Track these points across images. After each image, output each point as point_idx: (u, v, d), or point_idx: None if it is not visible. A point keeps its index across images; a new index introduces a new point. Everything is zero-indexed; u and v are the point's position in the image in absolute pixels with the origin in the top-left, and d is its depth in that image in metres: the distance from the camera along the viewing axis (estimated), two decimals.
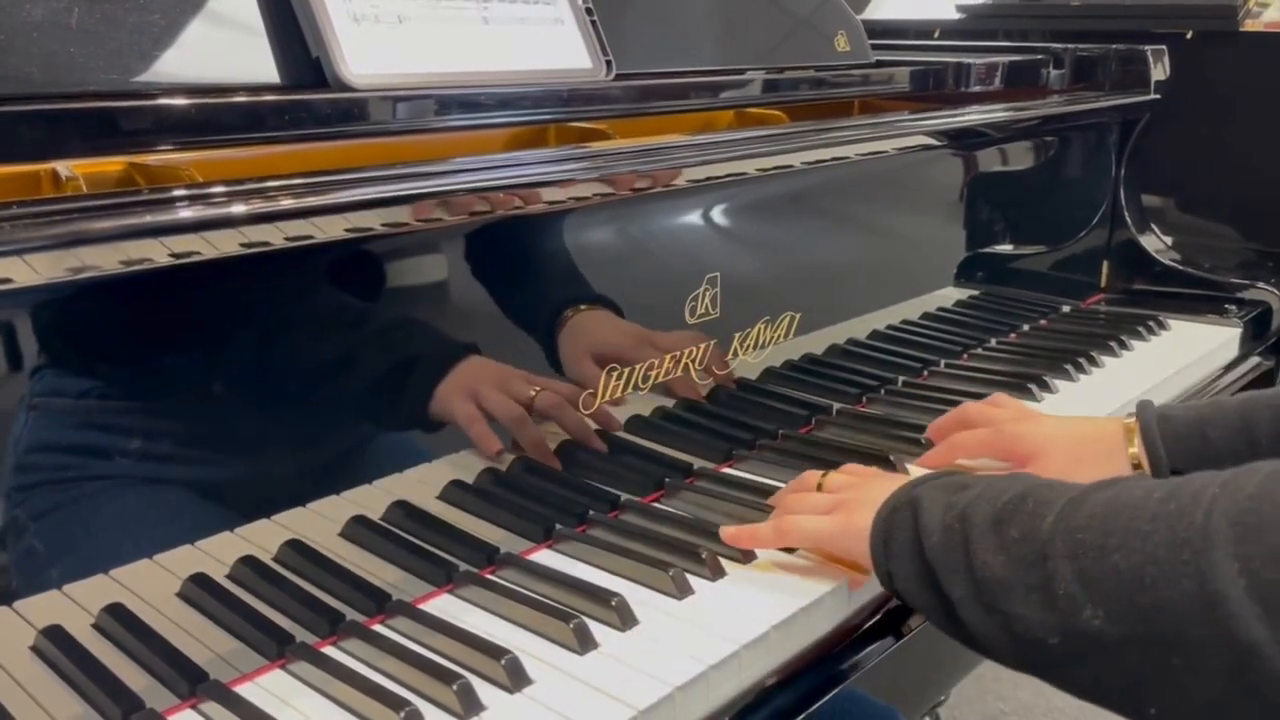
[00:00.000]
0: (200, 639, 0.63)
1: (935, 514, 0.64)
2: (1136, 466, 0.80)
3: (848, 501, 0.73)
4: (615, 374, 0.84)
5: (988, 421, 0.88)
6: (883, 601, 0.74)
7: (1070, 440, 0.83)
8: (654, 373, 0.87)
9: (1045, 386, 1.10)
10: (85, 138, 0.62)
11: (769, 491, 0.85)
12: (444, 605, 0.70)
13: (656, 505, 0.85)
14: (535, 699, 0.61)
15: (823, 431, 1.01)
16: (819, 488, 0.78)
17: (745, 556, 0.75)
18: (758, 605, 0.70)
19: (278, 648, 0.64)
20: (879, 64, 1.19)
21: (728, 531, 0.76)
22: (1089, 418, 0.89)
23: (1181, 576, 0.48)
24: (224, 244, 0.59)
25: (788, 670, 0.69)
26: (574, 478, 0.83)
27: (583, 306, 0.82)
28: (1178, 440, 0.79)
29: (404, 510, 0.74)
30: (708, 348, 0.91)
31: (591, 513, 0.81)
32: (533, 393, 0.79)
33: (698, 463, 0.90)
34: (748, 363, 0.97)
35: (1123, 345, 1.24)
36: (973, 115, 1.18)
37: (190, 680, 0.60)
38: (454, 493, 0.77)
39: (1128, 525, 0.52)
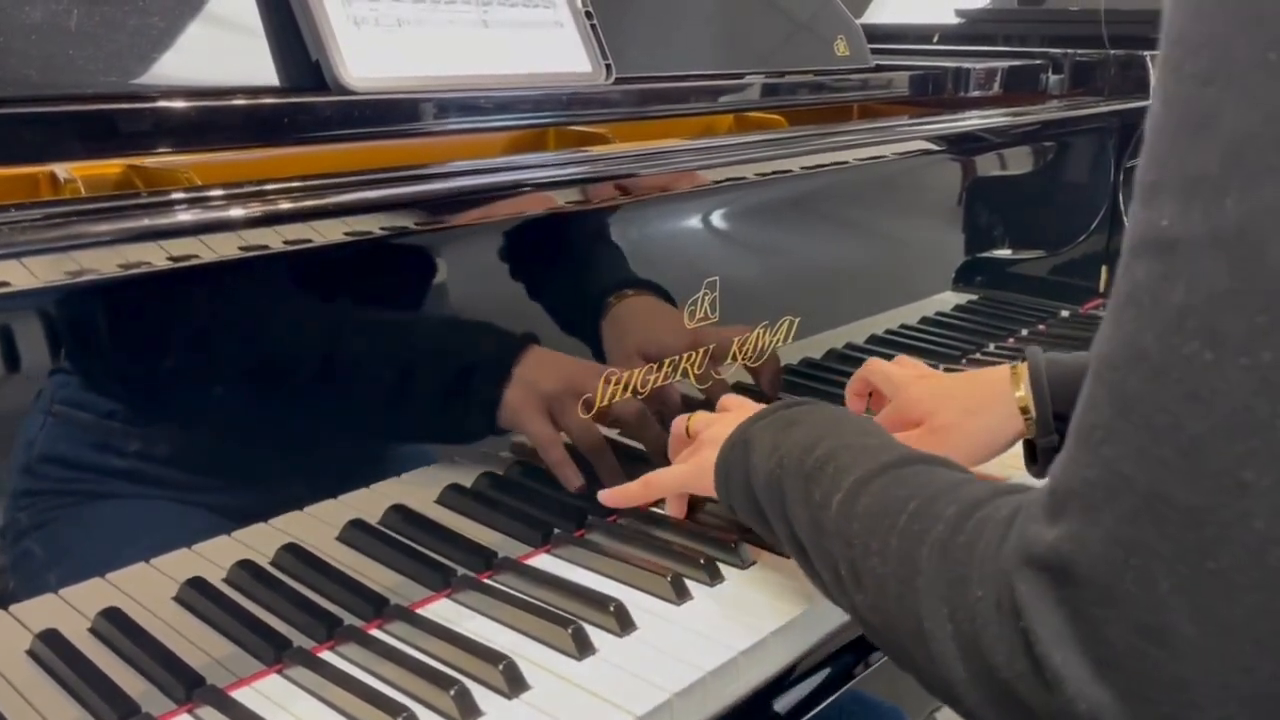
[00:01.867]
0: (197, 643, 0.63)
1: (762, 454, 0.67)
2: (1024, 410, 0.80)
3: (701, 443, 0.77)
4: (614, 378, 0.84)
5: (885, 381, 0.89)
6: None
7: (959, 393, 0.84)
8: (652, 378, 0.87)
9: None
10: (84, 140, 0.62)
11: None
12: (442, 610, 0.70)
13: (656, 510, 0.84)
14: (533, 704, 0.61)
15: None
16: (687, 431, 0.81)
17: (743, 562, 0.75)
18: (756, 611, 0.70)
19: (275, 652, 0.64)
20: (878, 68, 1.19)
21: (603, 495, 0.80)
22: (981, 369, 0.89)
23: (906, 604, 0.50)
24: (222, 247, 0.59)
25: (787, 675, 0.69)
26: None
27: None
28: (1064, 384, 0.79)
29: (402, 514, 0.74)
30: (707, 351, 0.91)
31: (590, 517, 0.81)
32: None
33: None
34: (747, 367, 0.96)
35: None
36: (972, 120, 1.18)
37: (187, 685, 0.60)
38: (452, 497, 0.77)
39: (885, 533, 0.54)
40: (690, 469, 0.76)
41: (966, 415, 0.81)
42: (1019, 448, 0.83)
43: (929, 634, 0.48)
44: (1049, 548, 0.41)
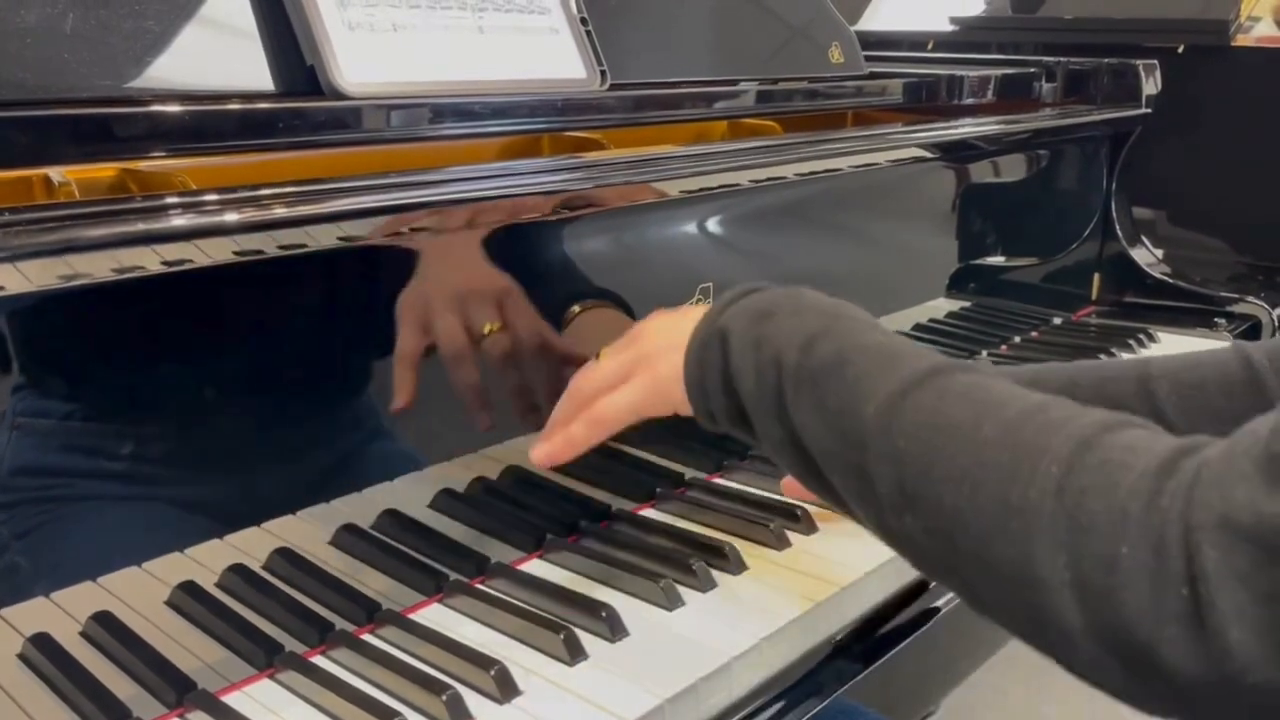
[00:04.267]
0: (188, 648, 0.63)
1: (745, 352, 0.60)
2: None
3: (645, 356, 0.66)
4: None
5: None
6: (873, 615, 0.74)
7: None
8: None
9: None
10: (78, 143, 0.62)
11: (760, 502, 0.85)
12: (434, 615, 0.70)
13: (648, 515, 0.85)
14: (524, 709, 0.61)
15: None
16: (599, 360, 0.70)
17: (736, 568, 0.75)
18: (748, 617, 0.70)
19: (266, 657, 0.64)
20: (872, 75, 1.20)
21: (536, 453, 0.68)
22: None
23: (1009, 542, 0.46)
24: (216, 252, 0.59)
25: (779, 682, 0.69)
26: (565, 487, 0.83)
27: (575, 309, 0.82)
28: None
29: (394, 519, 0.74)
30: None
31: (583, 523, 0.81)
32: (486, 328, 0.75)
33: (689, 472, 0.90)
34: None
35: (1112, 358, 1.25)
36: (965, 128, 1.19)
37: (178, 689, 0.60)
38: (445, 501, 0.77)
39: (953, 457, 0.49)
40: (643, 386, 0.66)
41: None
42: None
43: (1039, 580, 0.45)
44: (1264, 520, 0.38)
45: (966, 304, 1.27)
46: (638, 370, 0.66)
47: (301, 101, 0.71)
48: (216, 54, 0.72)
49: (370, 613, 0.68)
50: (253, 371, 0.66)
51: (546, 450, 0.68)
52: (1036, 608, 0.45)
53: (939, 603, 0.78)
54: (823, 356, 0.57)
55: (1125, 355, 1.27)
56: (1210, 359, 0.72)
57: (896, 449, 0.52)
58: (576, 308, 0.82)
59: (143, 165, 0.65)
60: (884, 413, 0.53)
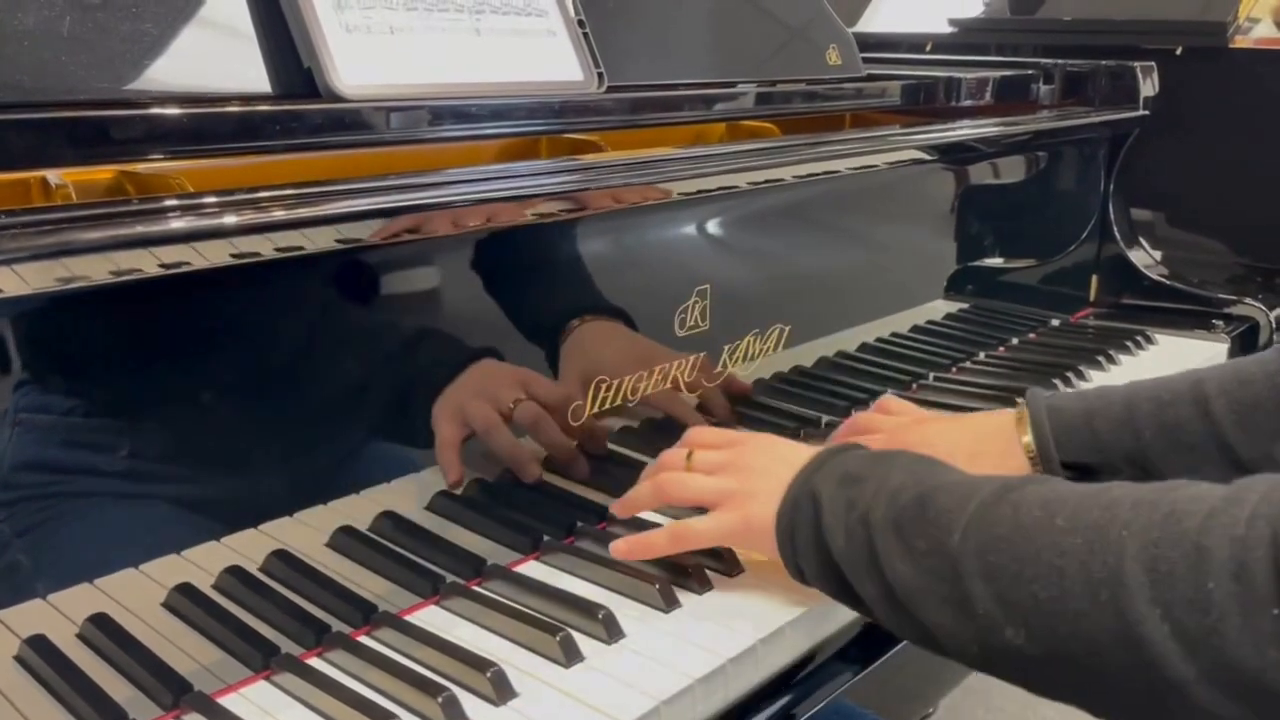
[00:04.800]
0: (185, 649, 0.63)
1: (837, 513, 0.63)
2: (1031, 457, 0.79)
3: (735, 494, 0.71)
4: (605, 385, 0.84)
5: (878, 429, 0.86)
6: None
7: (966, 438, 0.82)
8: (643, 384, 0.87)
9: None
10: (76, 146, 0.62)
11: None
12: (430, 617, 0.70)
13: (645, 517, 0.85)
14: (521, 712, 0.61)
15: (812, 444, 1.01)
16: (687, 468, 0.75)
17: (731, 569, 0.75)
18: (744, 618, 0.70)
19: (263, 659, 0.64)
20: (870, 77, 1.20)
21: (618, 546, 0.73)
22: (982, 413, 0.88)
23: (1103, 614, 0.49)
24: (214, 254, 0.59)
25: (774, 683, 0.69)
26: (563, 489, 0.83)
27: (574, 322, 0.82)
28: (1066, 432, 0.78)
29: (391, 521, 0.74)
30: (698, 360, 0.91)
31: (579, 524, 0.81)
32: (513, 402, 0.78)
33: None
34: (738, 375, 0.97)
35: (1110, 360, 1.25)
36: (964, 130, 1.19)
37: (174, 691, 0.60)
38: (441, 503, 0.77)
39: (1038, 554, 0.53)
40: (734, 523, 0.70)
41: (970, 460, 0.75)
42: None
43: (1143, 640, 0.47)
44: None
45: (965, 306, 1.27)
46: (731, 503, 0.70)
47: (299, 104, 0.71)
48: (214, 56, 0.72)
49: (367, 615, 0.68)
50: (249, 373, 0.66)
51: (626, 549, 0.73)
52: (1147, 670, 0.47)
53: None
54: (906, 504, 0.60)
55: (1124, 357, 1.27)
56: (1260, 372, 0.74)
57: (986, 565, 0.55)
58: (576, 321, 0.82)
59: (140, 168, 0.65)
60: (969, 536, 0.56)
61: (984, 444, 0.81)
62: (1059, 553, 0.52)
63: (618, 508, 0.78)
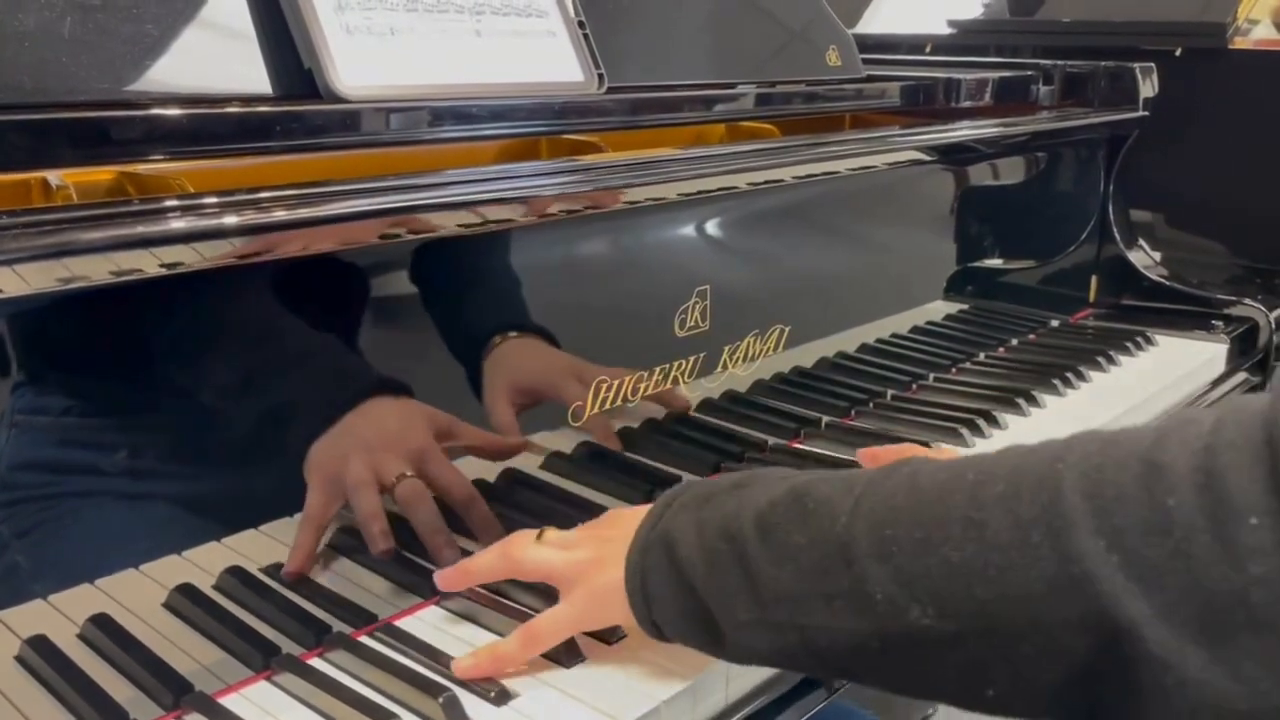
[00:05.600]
0: (185, 650, 0.63)
1: (690, 540, 0.56)
2: None
3: (582, 566, 0.62)
4: (605, 385, 0.84)
5: None
6: None
7: None
8: (643, 385, 0.87)
9: (1033, 401, 1.10)
10: (76, 146, 0.62)
11: None
12: (431, 617, 0.70)
13: None
14: (521, 712, 0.61)
15: (811, 444, 1.01)
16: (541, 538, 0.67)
17: None
18: None
19: (263, 659, 0.64)
20: (870, 78, 1.20)
21: (461, 665, 0.62)
22: None
23: (1034, 561, 0.43)
24: (215, 255, 0.59)
25: (776, 683, 0.69)
26: (562, 490, 0.83)
27: (512, 334, 0.80)
28: None
29: (392, 522, 0.74)
30: (696, 361, 0.91)
31: (579, 525, 0.81)
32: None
33: (686, 475, 0.91)
34: (738, 375, 0.97)
35: (1110, 360, 1.25)
36: (963, 131, 1.19)
37: (175, 691, 0.60)
38: (442, 504, 0.77)
39: (948, 513, 0.46)
40: (581, 601, 0.62)
41: None
42: None
43: (1086, 577, 0.41)
44: None
45: (964, 306, 1.27)
46: (577, 579, 0.62)
47: (299, 105, 0.71)
48: (214, 57, 0.72)
49: (367, 615, 0.68)
50: (249, 374, 0.66)
51: (471, 667, 0.62)
52: (1091, 619, 0.41)
53: None
54: (777, 502, 0.53)
55: (1123, 358, 1.27)
56: None
57: (883, 539, 0.48)
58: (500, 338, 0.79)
59: (141, 168, 0.65)
60: (858, 515, 0.49)
61: None
62: (976, 506, 0.45)
63: (448, 577, 0.68)
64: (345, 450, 0.68)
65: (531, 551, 0.65)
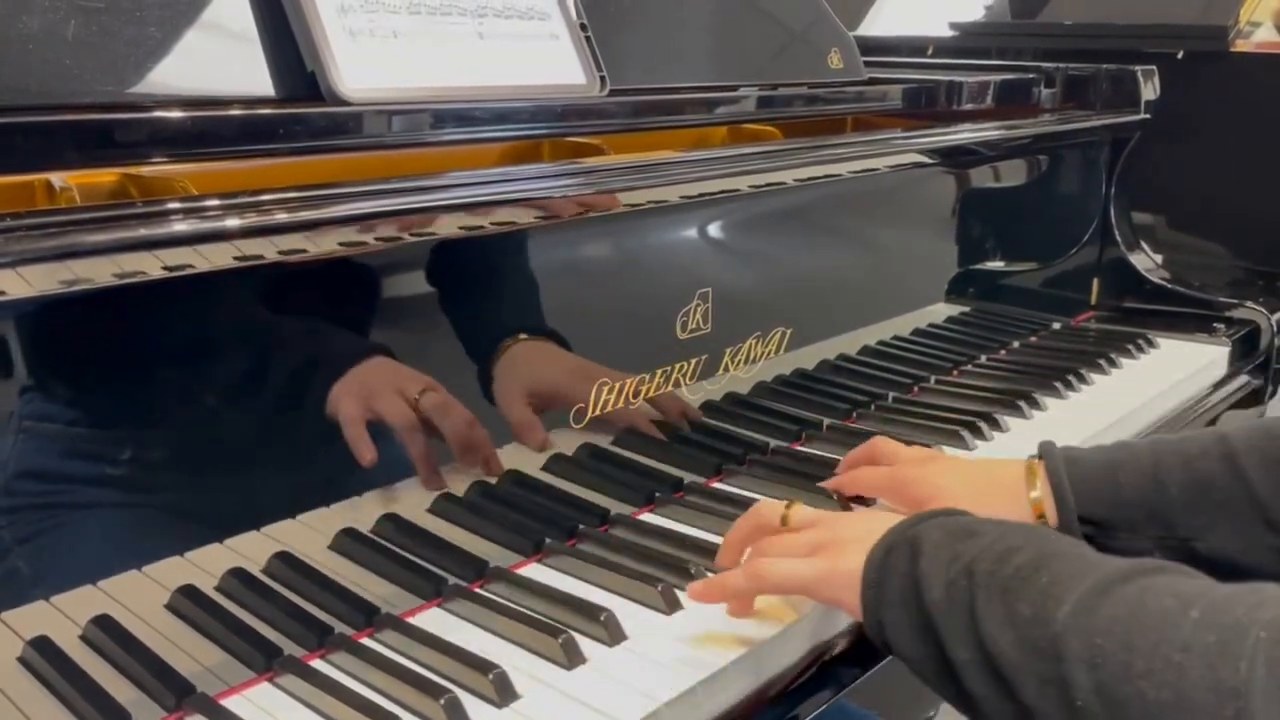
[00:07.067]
0: (188, 651, 0.63)
1: (938, 561, 0.58)
2: (1039, 514, 0.75)
3: (828, 543, 0.66)
4: (607, 387, 0.84)
5: (892, 459, 0.83)
6: None
7: (969, 484, 0.78)
8: (645, 387, 0.87)
9: (1035, 404, 1.10)
10: (80, 148, 0.62)
11: None
12: (433, 619, 0.70)
13: (646, 519, 0.85)
14: (523, 714, 0.61)
15: (813, 447, 1.01)
16: (783, 521, 0.71)
17: None
18: (747, 620, 0.70)
19: (265, 661, 0.64)
20: (872, 81, 1.20)
21: (695, 588, 0.68)
22: (989, 459, 0.86)
23: None
24: (217, 257, 0.59)
25: (777, 683, 0.69)
26: (564, 492, 0.84)
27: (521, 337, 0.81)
28: (1086, 483, 0.74)
29: (393, 523, 0.74)
30: (698, 363, 0.92)
31: (581, 526, 0.81)
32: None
33: (688, 477, 0.91)
34: (739, 377, 0.97)
35: (1112, 363, 1.25)
36: (965, 133, 1.19)
37: (177, 693, 0.60)
38: (444, 506, 0.77)
39: (1156, 647, 0.47)
40: (819, 569, 0.64)
41: (973, 503, 0.72)
42: None
43: None
44: None
45: (966, 309, 1.27)
46: (823, 551, 0.65)
47: (302, 107, 0.71)
48: (218, 60, 0.72)
49: (369, 617, 0.68)
50: (252, 376, 0.66)
51: (702, 590, 0.68)
52: None
53: None
54: (1018, 565, 0.55)
55: (1125, 360, 1.27)
56: None
57: (1094, 647, 0.49)
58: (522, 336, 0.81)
59: (144, 170, 0.65)
60: (1080, 612, 0.51)
61: (988, 488, 0.77)
62: (1182, 647, 0.46)
63: (699, 590, 0.69)
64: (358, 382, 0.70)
65: (777, 544, 0.68)
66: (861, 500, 0.85)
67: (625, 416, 0.87)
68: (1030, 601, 0.53)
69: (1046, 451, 0.77)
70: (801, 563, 0.65)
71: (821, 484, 0.87)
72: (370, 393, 0.71)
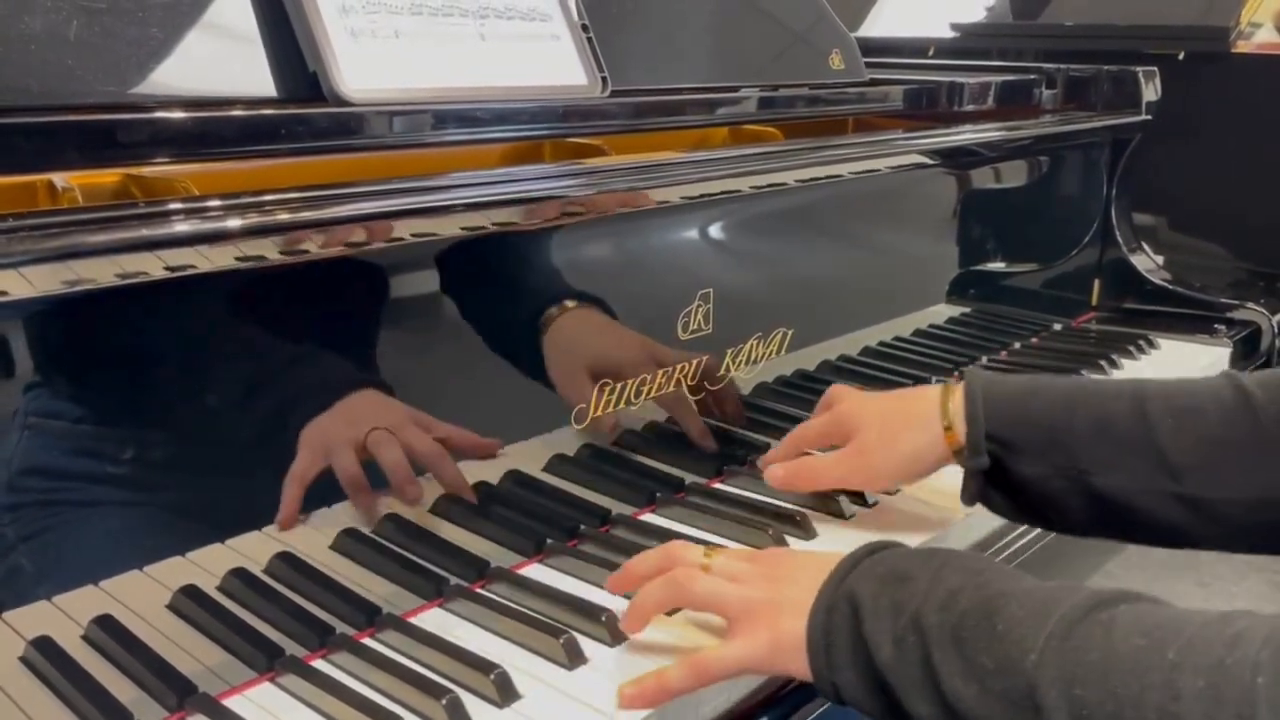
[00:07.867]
0: (189, 651, 0.63)
1: (880, 617, 0.56)
2: (948, 430, 0.76)
3: (759, 607, 0.61)
4: (608, 388, 0.84)
5: (836, 398, 0.85)
6: None
7: (888, 411, 0.80)
8: (646, 387, 0.87)
9: None
10: (82, 149, 0.62)
11: (759, 507, 0.85)
12: (434, 619, 0.70)
13: (648, 520, 0.85)
14: (524, 714, 0.61)
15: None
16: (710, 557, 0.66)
17: None
18: None
19: (267, 661, 0.64)
20: (873, 82, 1.20)
21: (626, 693, 0.61)
22: (914, 388, 0.87)
23: None
24: (219, 258, 0.60)
25: (776, 684, 0.69)
26: (565, 492, 0.84)
27: (569, 304, 0.82)
28: (1000, 402, 0.75)
29: (395, 523, 0.74)
30: (699, 363, 0.92)
31: (583, 527, 0.81)
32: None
33: (689, 477, 0.91)
34: (740, 378, 0.97)
35: (1113, 364, 1.25)
36: (966, 134, 1.19)
37: (178, 693, 0.60)
38: (445, 506, 0.77)
39: (1142, 695, 0.46)
40: (761, 646, 0.60)
41: (892, 434, 0.77)
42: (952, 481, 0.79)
43: None
44: None
45: (967, 310, 1.27)
46: (755, 621, 0.61)
47: (304, 108, 0.71)
48: (219, 60, 0.72)
49: (371, 617, 0.69)
50: (255, 376, 0.66)
51: (636, 693, 0.61)
52: None
53: None
54: (963, 610, 0.54)
55: (1126, 361, 1.27)
56: (1204, 386, 0.73)
57: (1072, 701, 0.48)
58: (555, 310, 0.81)
59: (146, 171, 0.66)
60: (1050, 662, 0.49)
61: (906, 416, 0.79)
62: (1172, 695, 0.45)
63: (628, 622, 0.66)
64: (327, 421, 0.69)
65: (703, 583, 0.64)
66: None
67: (626, 417, 0.87)
68: (990, 653, 0.52)
69: (970, 373, 0.79)
70: (742, 644, 0.61)
71: (766, 457, 0.88)
72: (355, 419, 0.71)
